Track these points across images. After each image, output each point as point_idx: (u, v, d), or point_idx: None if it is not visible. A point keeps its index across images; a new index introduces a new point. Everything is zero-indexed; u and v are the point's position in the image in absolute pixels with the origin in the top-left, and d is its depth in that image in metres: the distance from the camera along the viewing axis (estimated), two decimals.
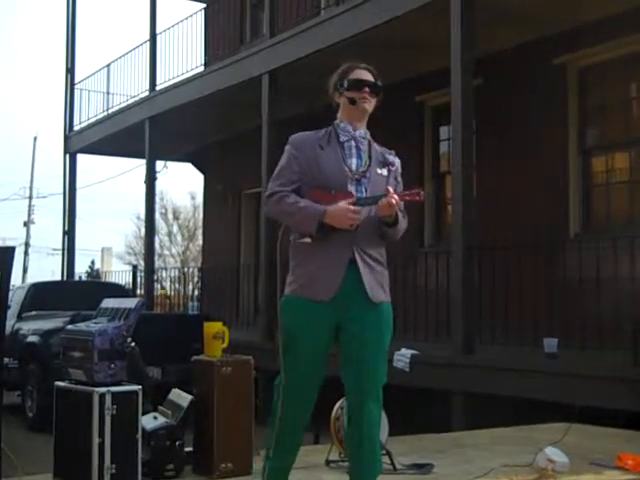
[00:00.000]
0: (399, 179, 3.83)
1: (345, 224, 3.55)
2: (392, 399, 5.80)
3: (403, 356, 8.47)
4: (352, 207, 3.55)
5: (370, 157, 3.75)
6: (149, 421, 4.80)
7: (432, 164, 12.08)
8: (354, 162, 3.71)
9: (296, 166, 3.68)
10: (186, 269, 18.37)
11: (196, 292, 16.20)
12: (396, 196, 3.56)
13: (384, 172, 3.74)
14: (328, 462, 5.03)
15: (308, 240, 3.62)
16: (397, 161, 3.84)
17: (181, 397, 5.02)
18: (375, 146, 3.81)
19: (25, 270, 40.14)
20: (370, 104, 3.79)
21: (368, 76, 3.82)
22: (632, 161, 9.66)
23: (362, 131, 3.79)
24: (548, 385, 7.26)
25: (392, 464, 4.95)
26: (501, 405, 7.69)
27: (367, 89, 3.77)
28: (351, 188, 3.65)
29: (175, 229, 42.30)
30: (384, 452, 4.95)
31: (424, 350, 8.66)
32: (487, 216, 9.78)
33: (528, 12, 9.12)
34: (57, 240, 18.07)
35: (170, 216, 41.99)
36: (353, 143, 3.75)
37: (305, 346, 3.63)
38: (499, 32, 9.57)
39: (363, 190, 3.66)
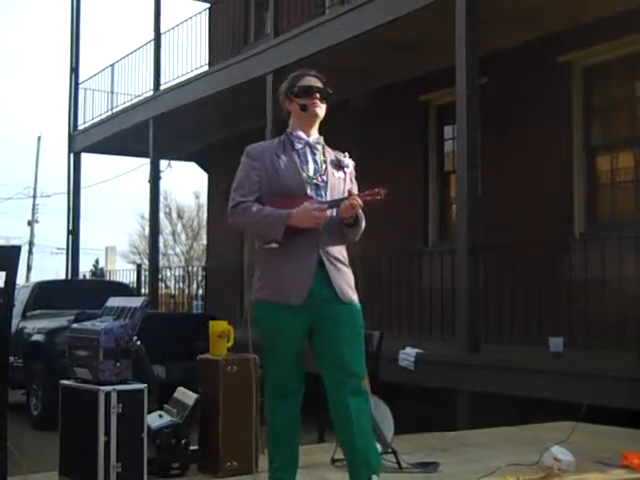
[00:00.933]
0: (354, 180, 3.93)
1: (311, 223, 3.64)
2: (397, 398, 5.81)
3: (408, 355, 8.46)
4: (316, 206, 3.65)
5: (325, 161, 3.85)
6: (155, 420, 4.80)
7: (436, 163, 12.08)
8: (311, 167, 3.81)
9: (255, 176, 3.78)
10: (190, 268, 18.38)
11: (200, 291, 16.21)
12: (358, 198, 3.66)
13: (341, 175, 3.85)
14: (334, 461, 5.02)
15: (274, 245, 3.71)
16: (351, 163, 3.93)
17: (187, 396, 5.02)
18: (329, 150, 3.92)
19: (29, 269, 40.20)
20: (321, 109, 3.88)
21: (317, 83, 3.89)
22: (637, 160, 9.64)
23: (315, 136, 3.89)
24: (553, 384, 7.25)
25: (398, 463, 4.94)
26: (506, 404, 7.68)
27: (317, 95, 3.85)
28: (311, 193, 3.75)
29: (179, 228, 42.32)
30: (390, 450, 4.96)
31: (429, 349, 8.65)
32: (492, 215, 9.77)
33: (532, 10, 9.10)
34: (61, 239, 18.10)
35: (174, 215, 42.01)
36: (308, 149, 3.85)
37: (283, 347, 3.77)
38: (503, 31, 9.56)
39: (323, 194, 3.77)
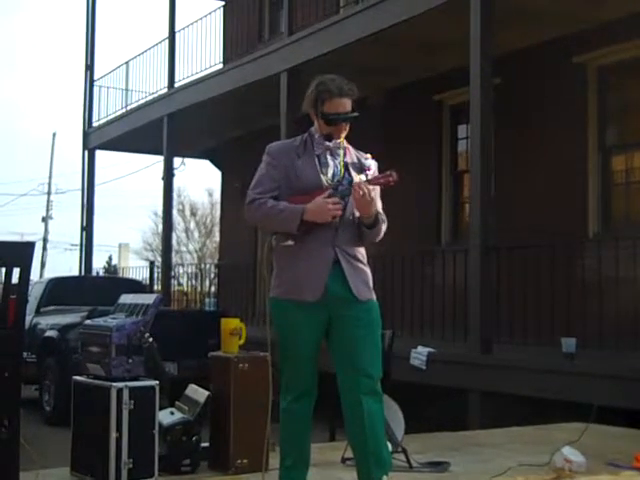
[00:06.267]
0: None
1: (327, 217, 3.63)
2: (408, 396, 5.81)
3: (420, 354, 8.45)
4: (331, 199, 3.64)
5: (346, 164, 3.82)
6: (166, 416, 4.82)
7: (450, 162, 12.06)
8: (330, 171, 3.79)
9: (275, 174, 3.77)
10: (203, 265, 18.40)
11: (213, 288, 16.23)
12: (366, 185, 3.62)
13: (362, 178, 3.79)
14: (344, 460, 5.02)
15: (291, 243, 3.71)
16: (374, 164, 3.89)
17: (198, 393, 5.04)
18: (351, 152, 3.88)
19: (43, 265, 40.34)
20: (345, 133, 3.84)
21: (346, 105, 3.78)
22: None
23: (336, 141, 3.84)
24: (565, 385, 7.23)
25: (408, 462, 4.94)
26: (518, 404, 7.67)
27: (344, 124, 3.80)
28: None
29: (192, 225, 42.35)
30: (400, 450, 4.96)
31: (441, 348, 8.64)
32: (505, 215, 9.74)
33: (547, 11, 9.07)
34: (75, 236, 18.17)
35: (187, 212, 42.05)
36: (328, 153, 3.82)
37: (298, 346, 3.74)
38: (518, 31, 9.53)
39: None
